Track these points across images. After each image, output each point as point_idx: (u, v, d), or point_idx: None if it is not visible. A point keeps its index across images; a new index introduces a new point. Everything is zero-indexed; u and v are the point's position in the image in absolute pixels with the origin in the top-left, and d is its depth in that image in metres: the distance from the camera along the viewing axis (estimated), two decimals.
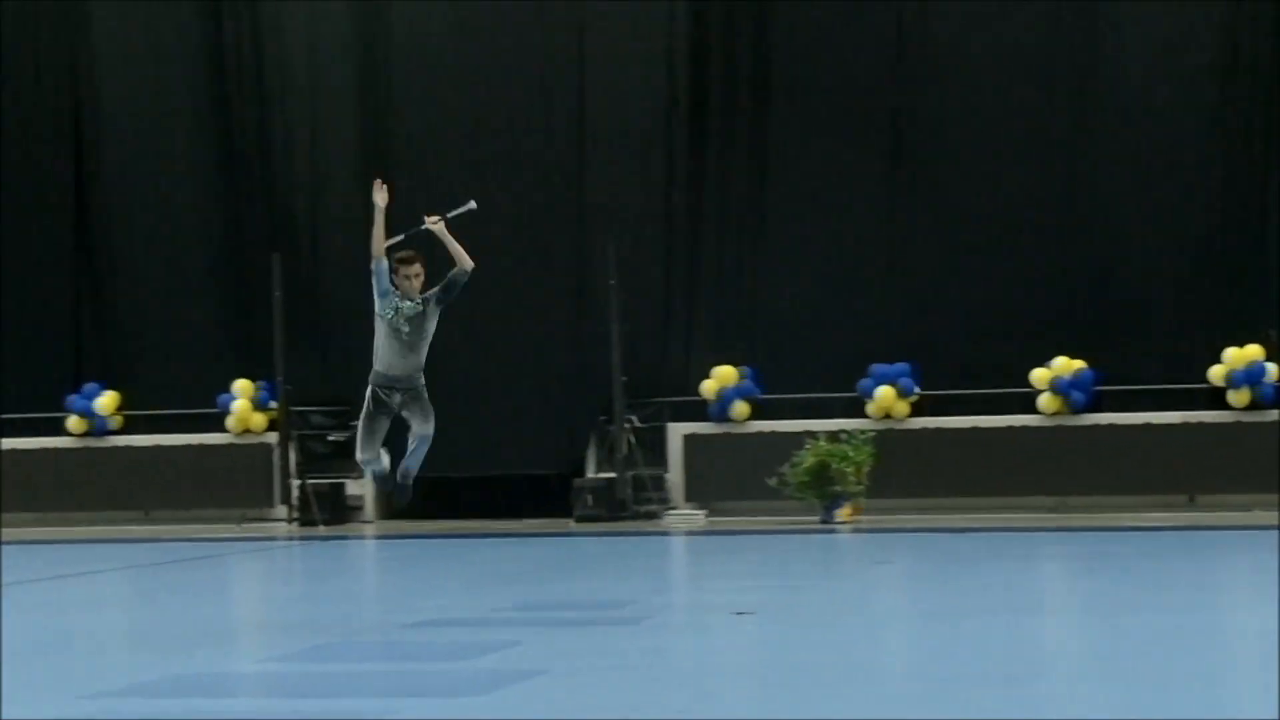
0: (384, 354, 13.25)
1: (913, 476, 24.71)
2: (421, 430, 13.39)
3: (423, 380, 13.39)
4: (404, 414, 13.43)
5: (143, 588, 18.18)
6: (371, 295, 13.38)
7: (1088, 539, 20.95)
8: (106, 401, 27.41)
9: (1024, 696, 9.43)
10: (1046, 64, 25.41)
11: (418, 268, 13.23)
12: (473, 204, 13.92)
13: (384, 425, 13.44)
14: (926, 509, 24.51)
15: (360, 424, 13.42)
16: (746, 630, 12.68)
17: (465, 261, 13.23)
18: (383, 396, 13.30)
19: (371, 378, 13.40)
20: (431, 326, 13.31)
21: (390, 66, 27.13)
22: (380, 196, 13.28)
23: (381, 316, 13.23)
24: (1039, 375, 24.75)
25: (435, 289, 13.27)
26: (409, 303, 13.19)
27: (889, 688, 10.02)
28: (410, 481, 13.61)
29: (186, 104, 27.89)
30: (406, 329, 13.19)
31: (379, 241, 13.25)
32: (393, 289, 13.15)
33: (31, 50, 28.46)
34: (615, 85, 26.35)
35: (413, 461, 13.54)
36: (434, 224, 13.26)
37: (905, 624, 13.43)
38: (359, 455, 13.50)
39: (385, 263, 13.17)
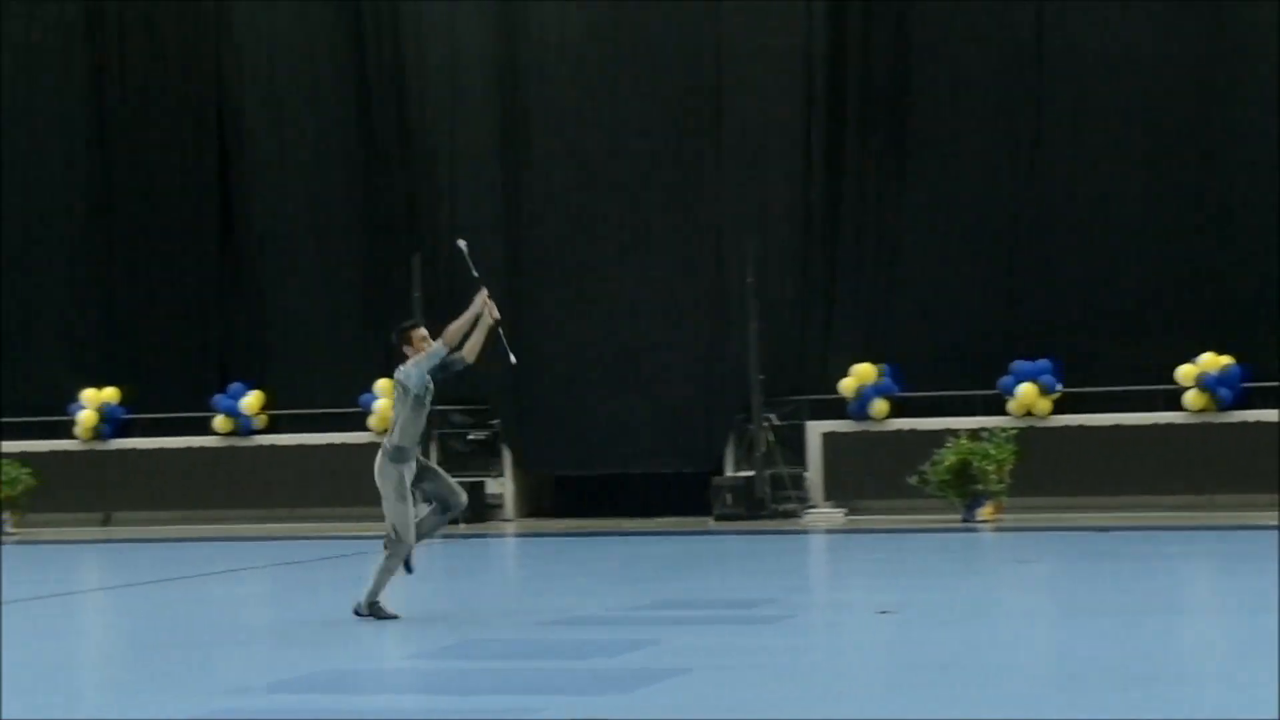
0: (412, 431, 13.37)
1: (1055, 475, 24.47)
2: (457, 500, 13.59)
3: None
4: (425, 486, 13.51)
5: (287, 585, 18.40)
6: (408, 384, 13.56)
7: (1234, 537, 20.65)
8: (251, 401, 27.77)
9: (1167, 697, 9.32)
10: (1183, 59, 25.07)
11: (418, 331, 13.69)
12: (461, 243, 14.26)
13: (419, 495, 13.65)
14: (1069, 508, 24.26)
15: (408, 508, 13.41)
16: (888, 629, 12.62)
17: (471, 356, 13.41)
18: (408, 474, 13.41)
19: (402, 456, 13.39)
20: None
21: (527, 67, 27.24)
22: (490, 311, 13.44)
23: (419, 397, 13.33)
24: (1184, 371, 24.41)
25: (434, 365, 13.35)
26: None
27: (1031, 687, 9.94)
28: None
29: (328, 106, 28.19)
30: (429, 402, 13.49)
31: (456, 334, 13.42)
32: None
33: (177, 52, 28.86)
34: (752, 84, 26.29)
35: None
36: (493, 312, 13.52)
37: (1047, 623, 13.32)
38: (413, 539, 13.45)
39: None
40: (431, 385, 13.45)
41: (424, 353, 13.43)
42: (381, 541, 13.43)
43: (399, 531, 13.27)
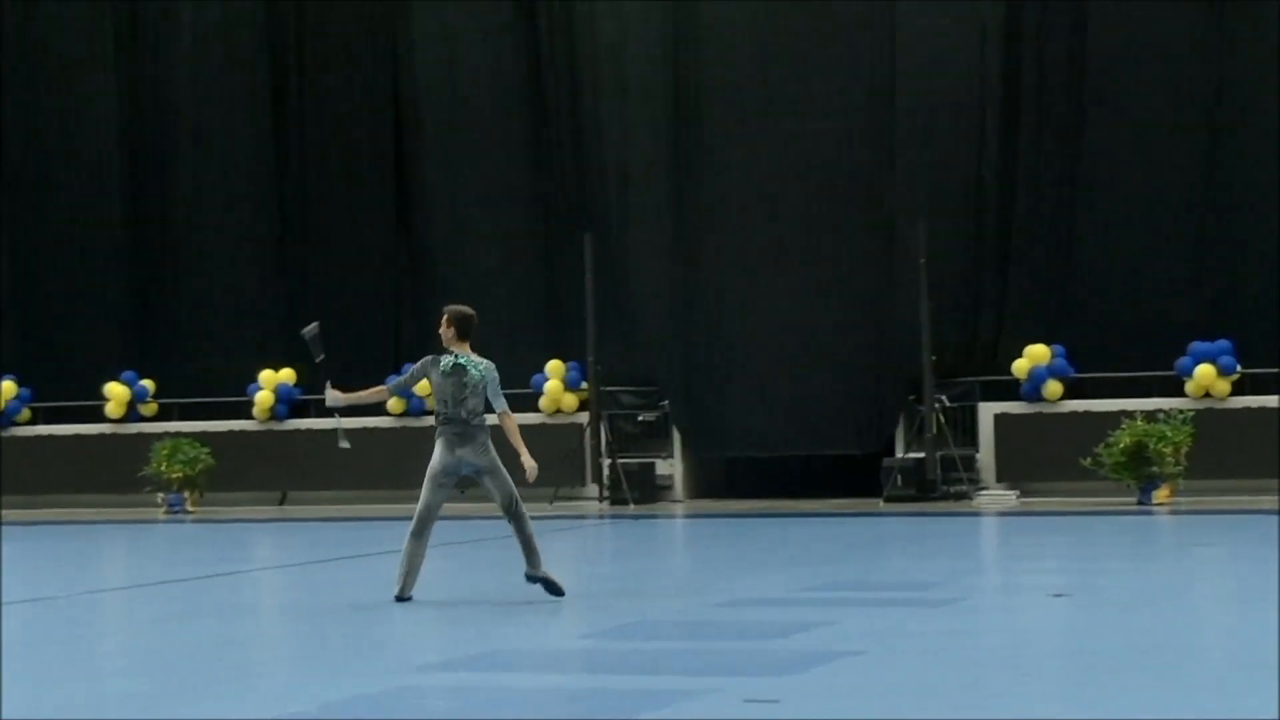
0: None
1: (1234, 457, 24.08)
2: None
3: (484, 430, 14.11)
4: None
5: (459, 564, 18.55)
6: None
7: None
8: (423, 382, 28.00)
9: None
10: None
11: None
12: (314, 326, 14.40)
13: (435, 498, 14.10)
14: (1248, 490, 23.86)
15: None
16: (1062, 613, 12.50)
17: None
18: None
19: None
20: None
21: (700, 47, 27.24)
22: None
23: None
24: None
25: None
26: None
27: (1208, 674, 9.80)
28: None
29: (501, 91, 28.39)
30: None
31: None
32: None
33: (354, 42, 29.22)
34: (927, 64, 26.10)
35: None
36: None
37: (1225, 609, 13.12)
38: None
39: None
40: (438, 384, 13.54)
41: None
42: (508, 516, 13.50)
43: (518, 500, 13.36)
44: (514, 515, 13.56)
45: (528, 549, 13.55)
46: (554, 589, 13.42)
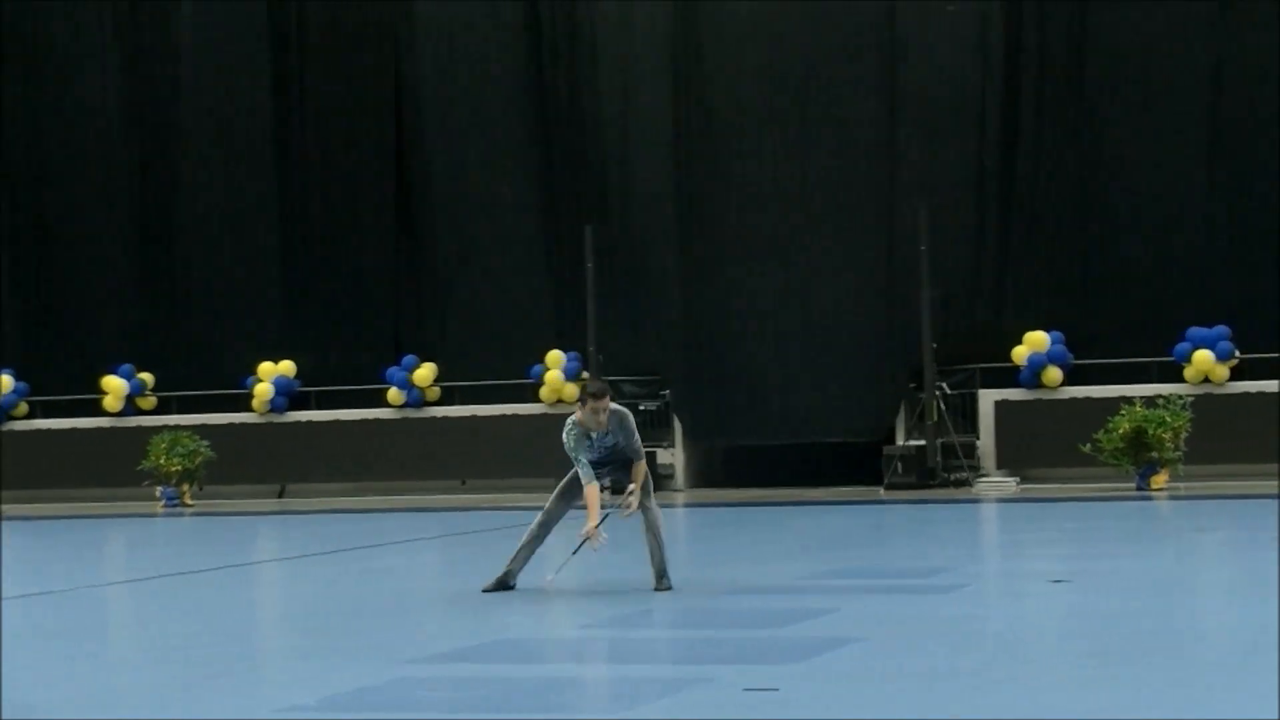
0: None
1: (1232, 442, 24.11)
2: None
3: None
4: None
5: (462, 555, 18.55)
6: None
7: None
8: (423, 373, 28.06)
9: None
10: None
11: (604, 401, 12.98)
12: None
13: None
14: (1246, 475, 23.88)
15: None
16: (1063, 598, 12.50)
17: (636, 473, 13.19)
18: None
19: None
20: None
21: (701, 40, 27.24)
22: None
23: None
24: None
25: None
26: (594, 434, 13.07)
27: (1213, 659, 9.80)
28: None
29: (502, 79, 28.40)
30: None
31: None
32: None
33: (355, 26, 29.20)
34: (928, 52, 26.11)
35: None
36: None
37: (1225, 593, 13.12)
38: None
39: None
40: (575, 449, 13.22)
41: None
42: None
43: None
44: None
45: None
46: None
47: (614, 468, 13.27)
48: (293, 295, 29.29)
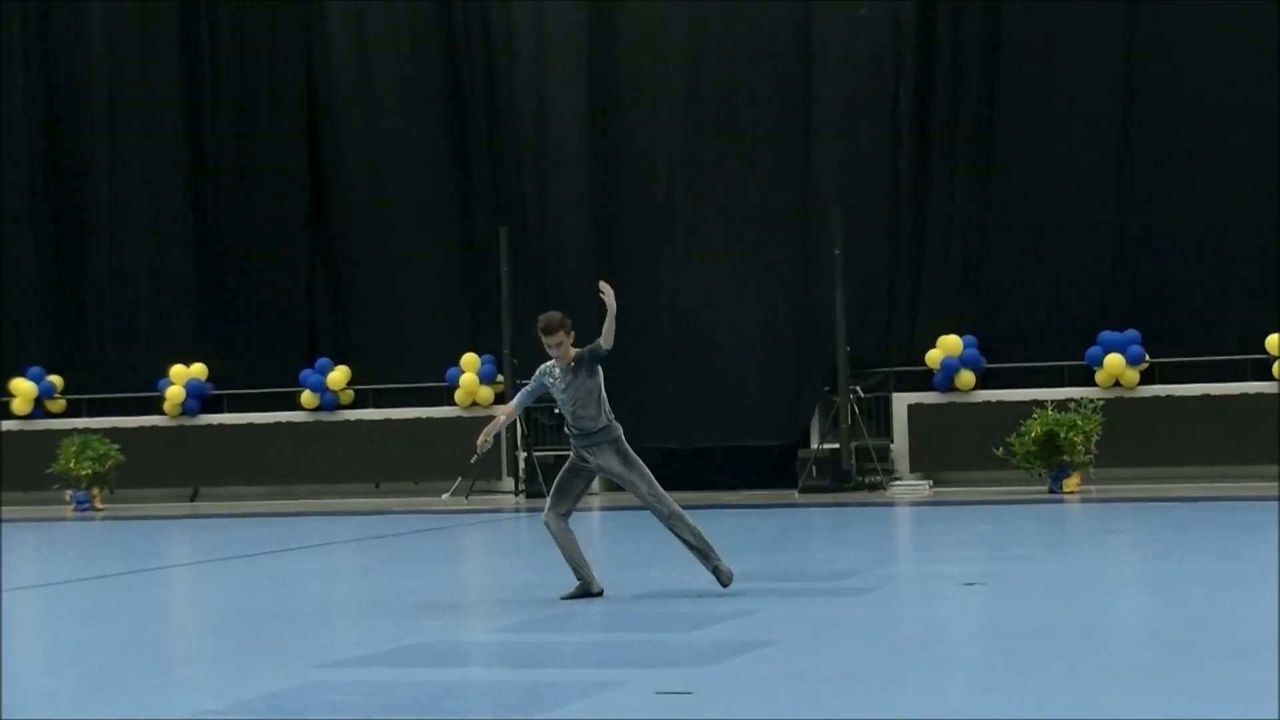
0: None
1: (1142, 445, 24.34)
2: (652, 504, 12.99)
3: (607, 435, 13.15)
4: (616, 481, 13.26)
5: (374, 559, 18.48)
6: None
7: None
8: (337, 376, 27.93)
9: (1256, 666, 9.23)
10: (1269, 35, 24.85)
11: (556, 338, 12.92)
12: None
13: (575, 485, 13.25)
14: (1157, 478, 24.13)
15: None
16: (976, 601, 12.57)
17: (606, 341, 12.96)
18: (574, 458, 13.19)
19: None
20: (590, 384, 13.07)
21: (615, 41, 27.26)
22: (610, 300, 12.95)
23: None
24: (1273, 341, 24.20)
25: (585, 354, 13.02)
26: (559, 370, 13.02)
27: (1122, 658, 9.87)
28: (719, 566, 12.89)
29: (416, 82, 28.29)
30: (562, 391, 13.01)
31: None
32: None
33: (267, 29, 29.01)
34: (841, 54, 26.20)
35: (689, 537, 13.03)
36: (608, 296, 12.96)
37: (1135, 594, 13.22)
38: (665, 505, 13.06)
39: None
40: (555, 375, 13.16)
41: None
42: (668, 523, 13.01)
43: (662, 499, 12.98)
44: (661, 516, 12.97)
45: (694, 550, 13.00)
46: (722, 577, 12.86)
47: (581, 420, 12.90)
48: (205, 297, 29.08)
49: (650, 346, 26.52)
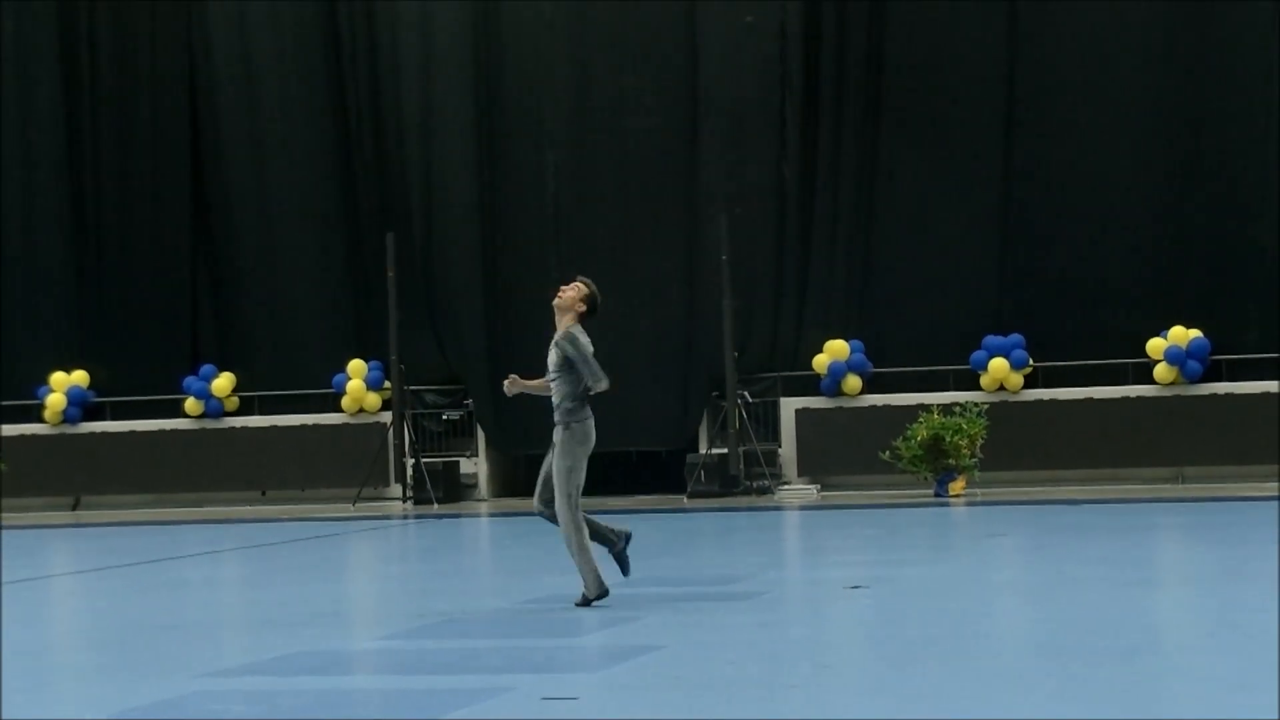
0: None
1: (1027, 449, 24.58)
2: (558, 503, 13.09)
3: (561, 418, 13.21)
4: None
5: (260, 567, 18.34)
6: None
7: (1205, 509, 20.73)
8: (222, 383, 27.70)
9: (1141, 669, 9.34)
10: (1161, 43, 25.13)
11: (569, 291, 13.06)
12: None
13: (545, 464, 13.32)
14: (1041, 481, 24.38)
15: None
16: (861, 605, 12.63)
17: (591, 382, 13.08)
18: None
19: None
20: (562, 364, 13.16)
21: (502, 48, 27.21)
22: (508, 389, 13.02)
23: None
24: (1154, 345, 24.52)
25: (569, 350, 12.98)
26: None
27: (1005, 661, 9.96)
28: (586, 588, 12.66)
29: (301, 87, 28.10)
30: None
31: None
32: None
33: (147, 31, 28.70)
34: (727, 63, 26.30)
35: (568, 547, 12.93)
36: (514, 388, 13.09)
37: (1020, 597, 13.34)
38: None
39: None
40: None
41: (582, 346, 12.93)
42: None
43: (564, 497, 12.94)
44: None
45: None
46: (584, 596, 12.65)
47: (553, 390, 13.06)
48: (87, 303, 28.74)
49: (535, 354, 26.39)
